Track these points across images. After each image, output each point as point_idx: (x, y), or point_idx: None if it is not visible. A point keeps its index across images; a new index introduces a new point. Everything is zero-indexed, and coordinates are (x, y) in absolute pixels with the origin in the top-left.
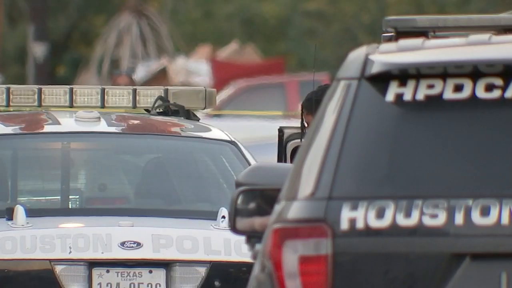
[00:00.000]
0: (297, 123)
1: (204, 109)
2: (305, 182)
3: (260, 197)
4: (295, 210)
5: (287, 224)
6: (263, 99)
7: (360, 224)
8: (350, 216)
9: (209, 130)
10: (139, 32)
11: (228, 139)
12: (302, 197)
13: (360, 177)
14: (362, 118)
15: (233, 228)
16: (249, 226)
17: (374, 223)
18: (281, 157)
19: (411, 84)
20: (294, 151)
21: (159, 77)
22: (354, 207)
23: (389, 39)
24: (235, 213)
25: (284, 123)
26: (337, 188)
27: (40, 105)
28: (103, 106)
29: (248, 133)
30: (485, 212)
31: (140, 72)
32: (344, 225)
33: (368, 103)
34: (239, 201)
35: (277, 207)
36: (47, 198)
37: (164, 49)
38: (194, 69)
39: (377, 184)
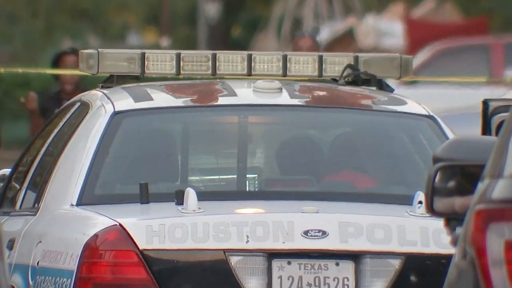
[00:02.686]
0: (502, 92)
1: (399, 78)
2: None
3: (461, 174)
4: (500, 189)
5: (492, 205)
6: (463, 63)
7: None
8: None
9: (405, 103)
10: None
11: (426, 113)
12: (509, 175)
13: None
14: None
15: (430, 209)
16: (448, 206)
17: None
18: (486, 133)
19: None
20: (501, 126)
21: (346, 39)
22: None
23: None
24: (432, 192)
25: (487, 90)
26: None
27: (214, 74)
28: (285, 75)
29: (446, 103)
30: None
31: (325, 34)
32: None
33: None
34: (437, 178)
35: (480, 186)
36: (221, 178)
37: (352, 7)
38: (386, 30)
39: None
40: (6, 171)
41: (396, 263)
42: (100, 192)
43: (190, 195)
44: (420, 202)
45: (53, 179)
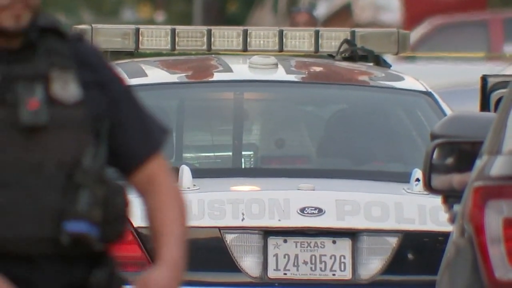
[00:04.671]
0: (501, 67)
1: (396, 54)
2: (510, 134)
3: (459, 151)
4: (499, 166)
5: (490, 182)
6: (461, 38)
7: None
8: None
9: (402, 79)
10: None
11: (424, 89)
12: (508, 151)
13: None
14: None
15: (428, 186)
16: (446, 183)
17: None
18: (484, 110)
19: None
20: (499, 102)
21: (343, 14)
22: None
23: None
24: (430, 169)
25: (486, 66)
26: None
27: (209, 49)
28: (281, 50)
29: (444, 78)
30: None
31: (322, 9)
32: None
33: None
34: (435, 155)
35: (479, 163)
36: (216, 155)
37: None
38: (383, 5)
39: None
40: None
41: (394, 241)
42: None
43: (185, 172)
44: (418, 180)
45: None
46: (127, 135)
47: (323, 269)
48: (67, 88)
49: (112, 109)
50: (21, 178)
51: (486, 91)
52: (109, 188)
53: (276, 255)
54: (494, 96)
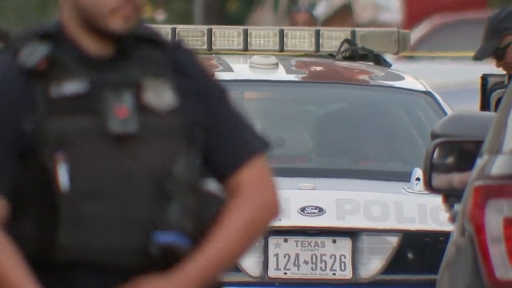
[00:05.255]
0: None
1: (396, 53)
2: (511, 133)
3: (459, 150)
4: (499, 165)
5: (491, 181)
6: (462, 38)
7: None
8: None
9: (402, 78)
10: None
11: (424, 89)
12: (508, 151)
13: None
14: None
15: (428, 186)
16: (447, 183)
17: None
18: (484, 109)
19: None
20: (499, 101)
21: (343, 13)
22: None
23: None
24: (430, 169)
25: (486, 66)
26: None
27: (210, 49)
28: (281, 50)
29: (444, 78)
30: None
31: (322, 8)
32: None
33: None
34: (435, 154)
35: (479, 162)
36: None
37: None
38: (383, 4)
39: None
40: None
41: (394, 240)
42: None
43: None
44: (418, 179)
45: None
46: (220, 143)
47: (323, 268)
48: (162, 96)
49: (208, 117)
50: (111, 187)
51: (486, 90)
52: (202, 198)
53: (276, 255)
54: (494, 96)
